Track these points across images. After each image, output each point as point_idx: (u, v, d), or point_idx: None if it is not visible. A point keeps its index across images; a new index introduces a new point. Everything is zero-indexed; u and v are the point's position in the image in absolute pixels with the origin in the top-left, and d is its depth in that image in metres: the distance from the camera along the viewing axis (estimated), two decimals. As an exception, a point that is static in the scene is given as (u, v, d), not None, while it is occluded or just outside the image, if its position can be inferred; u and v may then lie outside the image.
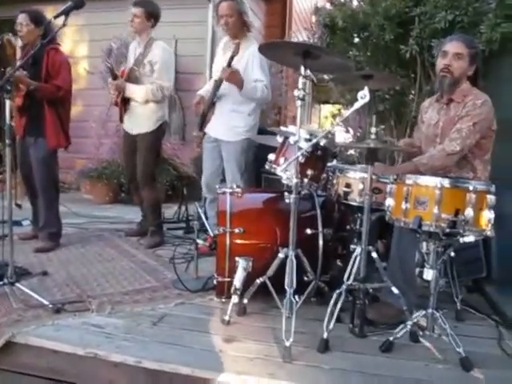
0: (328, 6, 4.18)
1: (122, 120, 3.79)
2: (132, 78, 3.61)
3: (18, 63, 2.90)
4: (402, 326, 2.11)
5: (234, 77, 3.00)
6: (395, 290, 2.20)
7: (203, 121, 3.37)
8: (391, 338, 2.08)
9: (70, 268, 3.09)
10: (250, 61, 3.13)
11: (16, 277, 2.57)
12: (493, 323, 2.43)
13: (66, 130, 3.56)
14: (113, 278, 2.93)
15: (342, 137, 4.74)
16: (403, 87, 3.73)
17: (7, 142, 2.54)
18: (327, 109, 11.69)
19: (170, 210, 4.61)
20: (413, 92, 3.77)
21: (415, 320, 2.11)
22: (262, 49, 2.18)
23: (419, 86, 3.69)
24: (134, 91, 3.59)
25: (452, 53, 2.46)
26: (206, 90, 3.46)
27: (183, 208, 4.48)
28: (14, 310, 2.38)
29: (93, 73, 6.06)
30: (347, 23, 3.69)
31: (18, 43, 3.28)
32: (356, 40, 3.89)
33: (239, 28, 3.20)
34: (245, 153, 3.28)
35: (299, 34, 6.88)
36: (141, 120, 3.66)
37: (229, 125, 3.25)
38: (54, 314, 2.35)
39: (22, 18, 3.38)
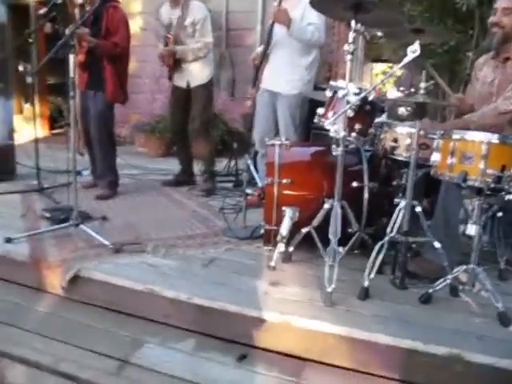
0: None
1: (171, 78, 3.99)
2: (178, 41, 3.78)
3: (82, 21, 3.03)
4: (442, 279, 2.16)
5: (280, 15, 3.00)
6: (437, 245, 2.24)
7: (257, 74, 3.40)
8: (431, 291, 2.14)
9: (127, 214, 3.31)
10: (308, 6, 3.09)
11: (80, 219, 2.79)
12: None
13: (124, 85, 3.74)
14: (166, 224, 3.11)
15: (393, 95, 4.65)
16: (458, 43, 3.61)
17: (71, 94, 2.70)
18: (379, 67, 11.34)
19: (219, 165, 4.73)
20: (468, 49, 3.64)
21: (456, 274, 2.16)
22: (314, 3, 2.19)
23: (476, 42, 3.56)
24: (184, 52, 3.77)
25: (501, 8, 2.39)
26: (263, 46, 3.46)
27: (233, 162, 4.60)
28: (79, 249, 2.62)
29: (146, 29, 6.17)
30: (402, -24, 3.57)
31: (78, 1, 3.40)
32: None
33: None
34: (299, 107, 3.31)
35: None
36: (194, 74, 3.85)
37: (285, 78, 3.26)
38: (114, 253, 2.57)
39: None
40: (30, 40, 3.67)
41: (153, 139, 5.73)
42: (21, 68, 3.43)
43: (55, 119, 7.47)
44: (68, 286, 2.35)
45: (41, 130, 7.49)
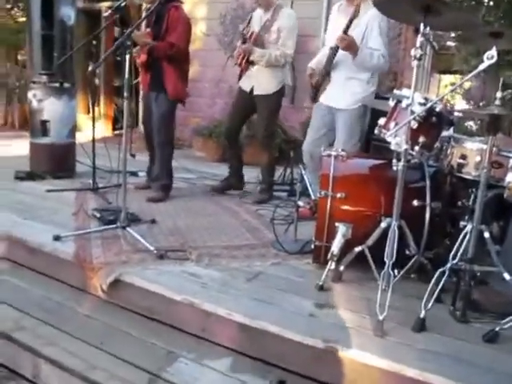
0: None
1: (240, 78, 3.88)
2: (258, 43, 3.68)
3: (139, 22, 3.04)
4: (511, 317, 1.91)
5: (349, 45, 2.86)
6: (507, 277, 1.99)
7: (317, 91, 3.28)
8: (497, 328, 1.89)
9: (177, 219, 3.27)
10: (370, 26, 2.96)
11: (128, 222, 2.76)
12: None
13: (185, 84, 3.75)
14: (214, 231, 3.03)
15: (462, 107, 4.34)
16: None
17: (125, 95, 2.69)
18: (447, 79, 10.83)
19: (276, 173, 4.62)
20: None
21: (528, 312, 1.91)
22: (379, 4, 2.02)
23: None
24: (260, 55, 3.65)
25: None
26: (317, 61, 3.33)
27: (288, 171, 4.47)
28: (124, 252, 2.59)
29: (209, 34, 6.19)
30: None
31: (137, 3, 3.43)
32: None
33: None
34: (360, 120, 3.14)
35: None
36: (262, 82, 3.75)
37: (347, 92, 3.12)
38: (157, 259, 2.51)
39: None
40: (94, 42, 3.71)
41: (210, 143, 5.71)
42: (90, 69, 3.50)
43: (118, 120, 7.68)
44: (109, 290, 2.31)
45: (104, 130, 7.75)
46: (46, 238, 2.68)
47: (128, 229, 2.73)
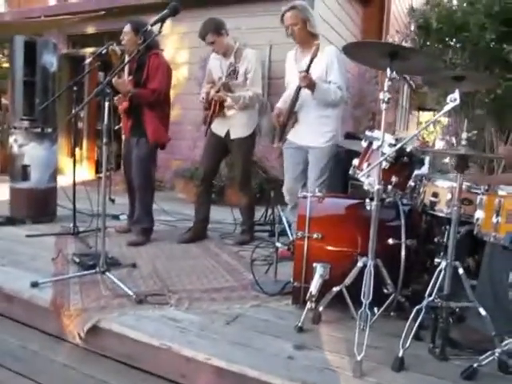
0: (423, 6, 3.97)
1: (210, 123, 3.87)
2: (226, 88, 3.72)
3: (117, 71, 3.10)
4: (489, 352, 1.92)
5: (306, 81, 2.96)
6: (483, 312, 2.01)
7: (283, 131, 3.34)
8: (475, 365, 1.90)
9: (157, 262, 3.24)
10: (330, 61, 3.10)
11: (107, 266, 2.74)
12: None
13: (165, 128, 3.79)
14: (194, 275, 3.02)
15: (439, 145, 4.47)
16: (506, 91, 3.43)
17: (104, 140, 2.74)
18: (427, 116, 11.16)
19: (257, 213, 4.65)
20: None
21: (505, 348, 1.91)
22: (347, 49, 2.11)
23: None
24: (235, 100, 3.68)
25: None
26: (283, 100, 3.42)
27: (270, 211, 4.50)
28: (103, 297, 2.56)
29: (190, 78, 6.33)
30: (442, 24, 3.47)
31: (118, 52, 3.51)
32: (452, 41, 3.65)
33: (306, 35, 3.17)
34: (331, 158, 3.23)
35: (397, 39, 6.67)
36: (236, 125, 3.78)
37: (318, 131, 3.20)
38: (136, 304, 2.49)
39: (125, 27, 3.65)
40: (75, 88, 3.79)
41: (191, 185, 5.73)
42: (68, 117, 3.56)
43: (101, 163, 7.69)
44: (86, 337, 2.27)
45: (88, 173, 7.76)
46: (23, 285, 2.64)
47: (107, 273, 2.71)
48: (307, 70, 2.95)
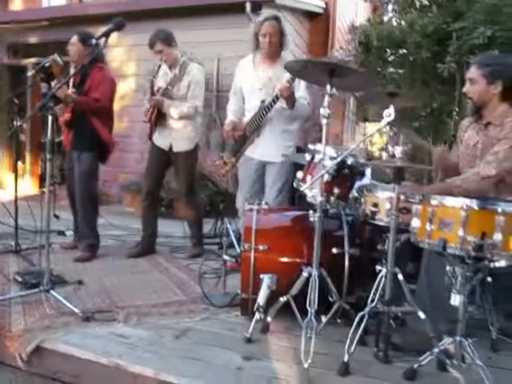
0: (365, 23, 4.16)
1: (151, 137, 3.87)
2: (166, 96, 3.70)
3: (62, 84, 3.04)
4: (428, 353, 2.02)
5: (290, 94, 2.92)
6: (422, 315, 2.12)
7: (241, 145, 3.29)
8: (415, 366, 2.00)
9: (104, 278, 3.19)
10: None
11: (51, 284, 2.66)
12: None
13: (106, 143, 3.71)
14: (143, 289, 2.99)
15: (384, 155, 4.66)
16: (442, 105, 3.65)
17: (48, 156, 2.68)
18: (372, 127, 11.55)
19: (207, 226, 4.65)
20: (452, 110, 3.67)
21: (442, 347, 2.02)
22: (289, 67, 2.19)
23: (459, 103, 3.60)
24: (171, 107, 3.67)
25: (467, 79, 2.42)
26: (233, 112, 3.39)
27: (220, 223, 4.51)
28: (47, 316, 2.49)
29: (137, 90, 6.29)
30: (382, 42, 3.65)
31: (60, 64, 3.43)
32: (391, 58, 3.84)
33: (278, 47, 3.16)
34: (291, 173, 3.14)
35: (339, 54, 6.91)
36: (178, 139, 3.77)
37: (281, 145, 3.16)
38: (83, 322, 2.43)
39: (72, 38, 3.60)
40: (16, 101, 3.68)
41: (139, 198, 5.66)
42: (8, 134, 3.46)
43: (45, 176, 7.45)
44: (29, 359, 2.19)
45: (31, 187, 7.49)
46: (-40, 308, 2.53)
47: (52, 292, 2.63)
48: (290, 82, 2.89)
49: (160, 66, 3.85)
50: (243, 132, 3.28)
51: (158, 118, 3.75)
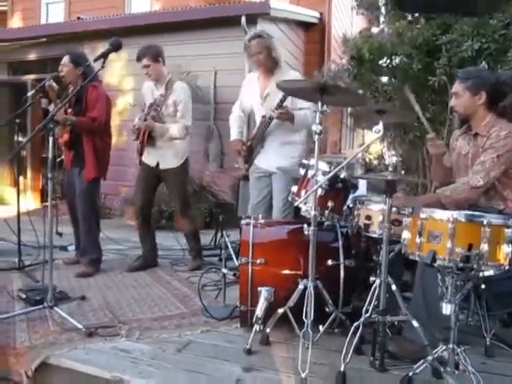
0: (357, 36, 4.24)
1: (141, 154, 3.89)
2: (155, 118, 3.74)
3: (61, 106, 3.11)
4: (422, 361, 2.07)
5: (284, 116, 3.04)
6: (415, 324, 2.17)
7: (249, 156, 3.40)
8: (410, 374, 2.04)
9: (107, 293, 3.25)
10: None
11: (55, 301, 2.72)
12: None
13: (104, 161, 3.78)
14: (145, 303, 3.05)
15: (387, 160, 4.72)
16: (434, 114, 3.72)
17: (49, 175, 2.75)
18: (370, 134, 11.64)
19: (207, 237, 4.72)
20: (445, 119, 3.74)
21: (436, 355, 2.07)
22: (281, 86, 2.26)
23: (451, 113, 3.67)
24: (162, 130, 3.72)
25: (452, 94, 2.53)
26: (237, 126, 3.49)
27: (220, 235, 4.57)
28: (51, 333, 2.54)
29: (135, 105, 6.38)
30: (374, 55, 3.73)
31: (55, 87, 3.49)
32: (384, 69, 3.91)
33: (271, 62, 3.22)
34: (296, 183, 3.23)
35: (333, 67, 7.00)
36: (166, 157, 3.81)
37: (285, 156, 3.23)
38: (86, 337, 2.49)
39: (64, 59, 3.66)
40: (17, 120, 3.76)
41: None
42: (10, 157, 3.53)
43: (47, 191, 7.52)
44: (34, 375, 2.24)
45: (33, 202, 7.56)
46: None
47: (55, 308, 2.69)
48: (281, 106, 3.00)
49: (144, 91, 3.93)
50: (250, 144, 3.39)
51: (148, 138, 3.77)
